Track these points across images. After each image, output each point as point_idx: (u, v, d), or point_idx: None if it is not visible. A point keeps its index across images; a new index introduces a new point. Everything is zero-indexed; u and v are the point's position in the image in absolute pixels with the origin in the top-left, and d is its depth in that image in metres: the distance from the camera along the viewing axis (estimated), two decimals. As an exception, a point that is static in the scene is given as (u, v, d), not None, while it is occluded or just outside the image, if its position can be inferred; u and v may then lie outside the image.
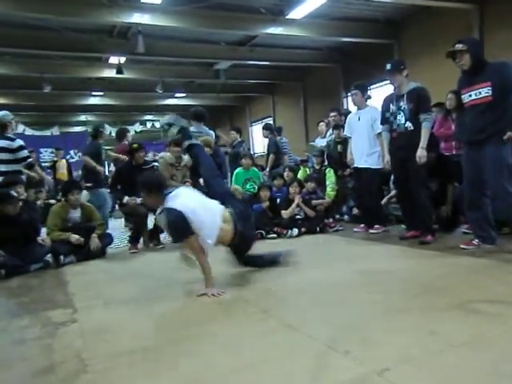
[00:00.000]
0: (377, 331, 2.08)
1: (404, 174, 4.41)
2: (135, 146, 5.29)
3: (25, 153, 5.11)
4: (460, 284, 2.79)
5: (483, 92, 3.64)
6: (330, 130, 6.87)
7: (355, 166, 5.17)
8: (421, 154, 4.17)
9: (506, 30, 7.85)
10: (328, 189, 6.06)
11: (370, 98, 5.33)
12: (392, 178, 5.46)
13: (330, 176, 6.15)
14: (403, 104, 4.33)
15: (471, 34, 8.29)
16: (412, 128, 4.28)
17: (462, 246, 3.85)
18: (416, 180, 4.29)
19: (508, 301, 2.37)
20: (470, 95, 3.73)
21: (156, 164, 5.87)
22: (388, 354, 1.81)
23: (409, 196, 4.44)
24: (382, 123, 4.67)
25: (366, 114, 5.08)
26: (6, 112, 5.22)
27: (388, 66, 4.41)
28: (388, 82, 9.51)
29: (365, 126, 5.04)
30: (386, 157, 4.62)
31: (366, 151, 5.03)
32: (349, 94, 12.01)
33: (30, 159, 5.35)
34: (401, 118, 4.35)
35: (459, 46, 3.70)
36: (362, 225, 5.23)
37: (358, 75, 10.20)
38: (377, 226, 5.08)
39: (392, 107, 4.45)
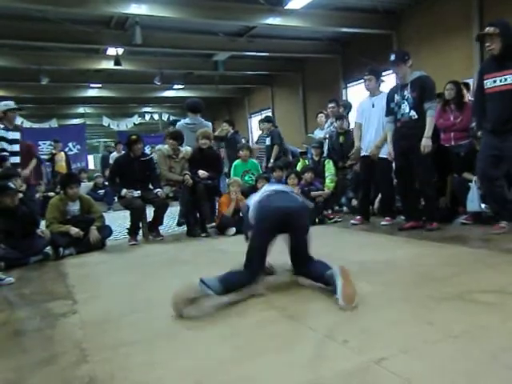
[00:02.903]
0: (375, 321, 2.09)
1: (406, 163, 4.38)
2: (133, 137, 5.26)
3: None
4: (459, 274, 2.80)
5: (509, 79, 3.56)
6: (329, 122, 6.85)
7: (365, 154, 4.98)
8: (425, 143, 4.14)
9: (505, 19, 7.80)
10: (327, 180, 6.06)
11: (383, 82, 5.12)
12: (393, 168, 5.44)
13: (330, 167, 6.14)
14: (407, 93, 4.28)
15: (471, 24, 8.24)
16: (416, 117, 4.24)
17: (492, 232, 3.83)
18: (422, 170, 4.28)
19: (507, 291, 2.38)
20: (495, 81, 3.65)
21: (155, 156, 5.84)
22: (386, 344, 1.82)
23: (409, 186, 4.43)
24: (386, 114, 4.59)
25: (380, 100, 4.84)
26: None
27: (392, 57, 4.32)
28: (387, 72, 9.43)
29: (380, 114, 4.82)
30: (389, 147, 4.55)
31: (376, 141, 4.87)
32: (348, 84, 12.03)
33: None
34: (405, 107, 4.31)
35: (491, 30, 3.58)
36: (359, 216, 5.20)
37: (357, 66, 10.17)
38: (387, 218, 4.93)
39: (396, 97, 4.39)
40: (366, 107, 5.04)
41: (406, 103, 4.31)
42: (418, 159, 4.24)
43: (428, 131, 4.15)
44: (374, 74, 4.94)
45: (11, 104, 5.28)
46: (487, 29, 3.61)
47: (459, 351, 1.73)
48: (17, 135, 5.25)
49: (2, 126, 5.10)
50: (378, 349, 1.77)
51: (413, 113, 4.26)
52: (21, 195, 4.45)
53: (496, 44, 3.57)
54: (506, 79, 3.58)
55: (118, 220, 6.78)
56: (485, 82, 3.74)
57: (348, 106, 7.21)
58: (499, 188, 3.77)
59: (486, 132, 3.86)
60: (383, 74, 5.18)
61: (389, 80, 9.93)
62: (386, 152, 4.88)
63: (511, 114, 3.57)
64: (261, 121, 8.37)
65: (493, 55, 3.67)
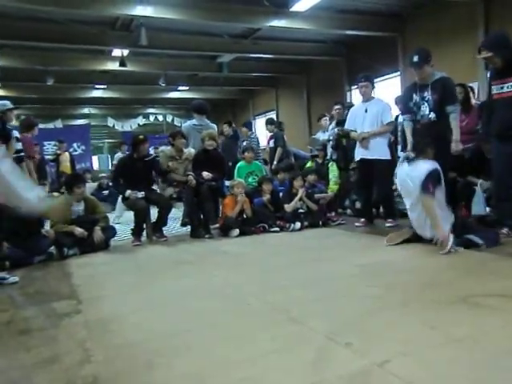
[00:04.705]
0: (378, 324, 2.09)
1: None
2: (141, 137, 5.29)
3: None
4: (461, 278, 2.79)
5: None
6: (333, 124, 6.85)
7: (362, 157, 5.03)
8: (456, 147, 4.12)
9: (510, 24, 7.78)
10: (331, 183, 6.06)
11: (375, 87, 5.23)
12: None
13: (333, 170, 6.15)
14: (427, 94, 4.22)
15: (476, 27, 8.23)
16: (436, 119, 4.20)
17: None
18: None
19: (508, 295, 2.38)
20: (502, 87, 3.71)
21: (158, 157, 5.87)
22: (388, 347, 1.82)
23: None
24: (404, 113, 4.59)
25: (373, 105, 4.96)
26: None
27: (415, 58, 4.20)
28: (392, 75, 9.42)
29: (373, 118, 4.92)
30: (409, 146, 4.41)
31: (375, 143, 4.92)
32: (353, 87, 12.02)
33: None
34: (425, 109, 4.26)
35: (484, 54, 3.71)
36: (363, 219, 5.19)
37: (361, 68, 10.15)
38: (390, 219, 4.95)
39: (415, 97, 4.33)
40: (359, 113, 5.09)
41: (425, 104, 4.25)
42: (437, 160, 4.24)
43: (456, 134, 4.12)
44: (369, 80, 5.05)
45: (8, 104, 5.27)
46: (482, 53, 3.75)
47: (462, 355, 1.73)
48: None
49: None
50: (381, 352, 1.77)
51: (432, 115, 4.21)
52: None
53: (496, 62, 3.71)
54: (510, 86, 3.67)
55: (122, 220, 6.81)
56: (492, 87, 3.82)
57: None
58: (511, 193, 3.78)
59: (493, 138, 3.93)
60: (384, 77, 5.22)
61: (393, 83, 9.96)
62: (387, 154, 4.89)
63: None
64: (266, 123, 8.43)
65: (496, 68, 3.79)
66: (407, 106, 4.48)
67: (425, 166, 3.64)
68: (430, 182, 3.54)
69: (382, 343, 1.86)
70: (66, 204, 2.10)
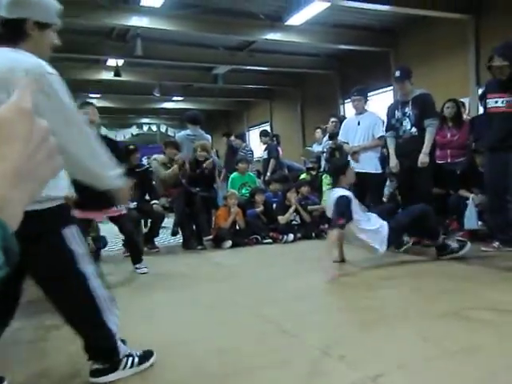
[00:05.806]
0: (371, 337, 2.08)
1: (409, 181, 4.43)
2: (131, 147, 5.30)
3: None
4: (454, 291, 2.79)
5: (510, 101, 3.70)
6: (327, 136, 6.89)
7: (355, 171, 5.08)
8: (423, 159, 4.19)
9: (500, 41, 7.91)
10: (324, 195, 6.06)
11: (368, 101, 5.27)
12: (387, 183, 5.48)
13: (327, 182, 6.16)
14: (409, 110, 4.34)
15: (467, 43, 8.37)
16: (417, 134, 4.29)
17: (482, 249, 3.90)
18: (421, 184, 4.33)
19: (501, 308, 2.39)
20: (497, 101, 3.76)
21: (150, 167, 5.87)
22: (382, 360, 1.81)
23: (412, 203, 4.46)
24: (387, 130, 4.65)
25: (366, 119, 5.00)
26: None
27: (397, 73, 4.36)
28: (384, 89, 9.53)
29: (365, 131, 4.95)
30: (393, 161, 4.55)
31: (365, 156, 4.95)
32: (346, 100, 12.13)
33: None
34: (406, 124, 4.37)
35: (498, 62, 3.68)
36: None
37: (354, 82, 10.25)
38: None
39: (397, 113, 4.44)
40: (352, 125, 5.12)
41: (407, 120, 4.36)
42: (419, 178, 4.30)
43: (426, 147, 4.20)
44: (362, 95, 5.09)
45: None
46: (497, 61, 3.71)
47: (454, 368, 1.72)
48: None
49: None
50: (375, 365, 1.76)
51: (414, 129, 4.32)
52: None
53: (505, 73, 3.71)
54: (506, 101, 3.71)
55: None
56: (487, 101, 3.86)
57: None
58: (505, 206, 3.81)
59: (486, 151, 3.99)
60: (377, 91, 5.28)
61: (385, 97, 10.07)
62: (378, 167, 4.93)
63: (509, 132, 3.68)
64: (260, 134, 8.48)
65: (498, 78, 3.78)
66: (390, 123, 4.58)
67: (334, 196, 3.61)
68: (338, 216, 3.45)
69: (376, 356, 1.85)
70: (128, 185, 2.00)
